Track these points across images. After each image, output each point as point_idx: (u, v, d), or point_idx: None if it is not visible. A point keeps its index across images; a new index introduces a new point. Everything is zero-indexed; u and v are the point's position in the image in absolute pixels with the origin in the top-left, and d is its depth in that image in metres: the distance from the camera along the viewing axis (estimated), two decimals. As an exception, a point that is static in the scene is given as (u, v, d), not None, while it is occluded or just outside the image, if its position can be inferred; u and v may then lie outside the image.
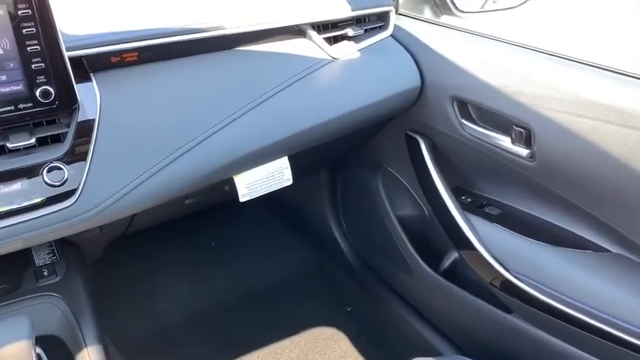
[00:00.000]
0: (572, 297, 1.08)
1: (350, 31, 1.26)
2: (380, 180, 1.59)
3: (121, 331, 1.47)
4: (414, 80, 1.30)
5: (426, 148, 1.37)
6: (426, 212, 1.50)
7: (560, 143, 1.05)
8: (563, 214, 1.16)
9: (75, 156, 0.90)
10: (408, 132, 1.41)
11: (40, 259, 1.13)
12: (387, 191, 1.59)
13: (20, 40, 0.82)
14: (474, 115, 1.26)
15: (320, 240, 1.94)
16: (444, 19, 1.39)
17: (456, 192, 1.38)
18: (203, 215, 1.83)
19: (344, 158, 1.71)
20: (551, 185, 1.13)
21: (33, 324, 0.86)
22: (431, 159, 1.37)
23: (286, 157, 1.20)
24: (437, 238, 1.46)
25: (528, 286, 1.16)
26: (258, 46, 1.13)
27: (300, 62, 1.16)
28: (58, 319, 1.06)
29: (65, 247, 1.17)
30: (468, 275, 1.35)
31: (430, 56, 1.29)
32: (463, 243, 1.31)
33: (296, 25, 1.18)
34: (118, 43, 0.96)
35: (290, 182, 1.22)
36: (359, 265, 1.84)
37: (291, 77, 1.13)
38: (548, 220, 1.20)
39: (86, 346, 1.05)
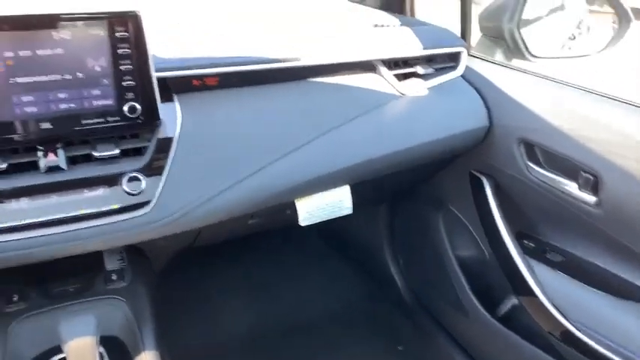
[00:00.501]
0: (633, 351, 1.03)
1: (420, 69, 1.29)
2: (441, 218, 1.59)
3: (177, 341, 1.52)
4: (481, 120, 1.31)
5: (490, 188, 1.36)
6: (487, 254, 1.48)
7: (629, 192, 1.03)
8: (628, 266, 1.12)
9: (153, 169, 0.96)
10: (473, 171, 1.41)
11: (111, 264, 1.20)
12: (448, 230, 1.58)
13: (115, 59, 0.91)
14: (540, 159, 1.25)
15: (374, 274, 1.94)
16: (515, 62, 1.40)
17: (519, 236, 1.35)
18: (264, 237, 1.88)
19: (405, 193, 1.72)
20: (618, 235, 1.09)
21: (99, 324, 0.91)
22: (494, 200, 1.36)
23: (348, 187, 1.23)
24: (496, 281, 1.43)
25: (589, 338, 1.12)
26: (331, 78, 1.18)
27: (369, 96, 1.20)
28: (121, 322, 1.12)
29: (134, 254, 1.24)
30: (526, 322, 1.31)
31: (499, 97, 1.30)
32: (523, 289, 1.28)
33: (368, 61, 1.22)
34: (200, 68, 1.04)
35: (350, 211, 1.25)
36: (413, 302, 1.82)
37: (360, 110, 1.17)
38: (613, 271, 1.16)
39: (144, 350, 1.10)
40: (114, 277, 1.17)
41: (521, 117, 1.24)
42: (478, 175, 1.39)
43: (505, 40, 1.42)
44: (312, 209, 1.20)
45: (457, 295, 1.54)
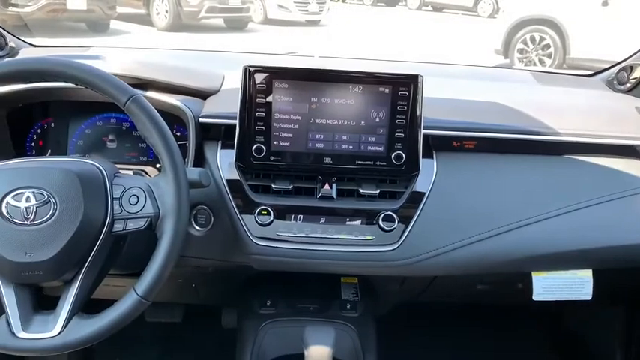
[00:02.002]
0: None
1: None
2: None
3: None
4: None
5: None
6: None
7: None
8: None
9: (404, 212, 1.08)
10: None
11: (346, 295, 1.34)
12: None
13: (393, 113, 1.06)
14: None
15: None
16: None
17: None
18: (484, 314, 1.86)
19: None
20: None
21: (335, 343, 1.02)
22: None
23: (590, 271, 1.19)
24: None
25: None
26: (588, 157, 1.18)
27: (628, 181, 1.16)
28: (349, 347, 1.23)
29: (367, 292, 1.36)
30: None
31: None
32: None
33: (631, 146, 1.19)
34: (461, 131, 1.14)
35: (589, 297, 1.19)
36: None
37: (614, 193, 1.14)
38: None
39: None
40: (348, 306, 1.30)
41: None
42: None
43: None
44: (548, 285, 1.18)
45: None
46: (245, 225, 1.07)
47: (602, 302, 1.59)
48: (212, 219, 1.09)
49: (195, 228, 1.09)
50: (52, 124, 1.26)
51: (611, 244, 1.12)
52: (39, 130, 1.26)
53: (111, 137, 1.26)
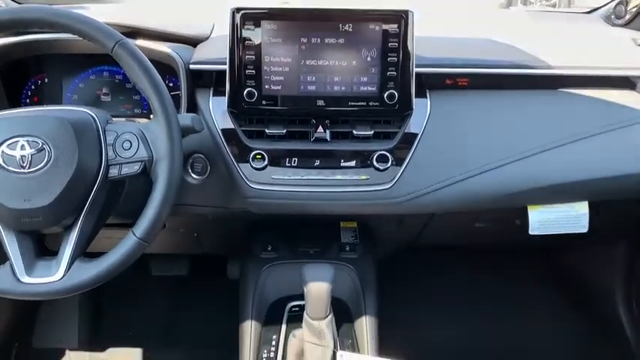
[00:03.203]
0: None
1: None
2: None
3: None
4: None
5: None
6: None
7: None
8: None
9: (399, 152, 1.08)
10: None
11: (345, 238, 1.36)
12: None
13: (385, 51, 1.05)
14: None
15: (600, 320, 1.78)
16: None
17: None
18: (482, 253, 1.88)
19: None
20: None
21: (333, 280, 1.04)
22: None
23: (586, 203, 1.19)
24: None
25: None
26: (584, 90, 1.17)
27: (622, 112, 1.16)
28: (349, 287, 1.26)
29: (366, 235, 1.38)
30: None
31: None
32: None
33: (627, 77, 1.18)
34: (454, 67, 1.13)
35: (585, 230, 1.20)
36: (644, 357, 1.63)
37: (611, 125, 1.14)
38: None
39: (365, 315, 1.22)
40: (347, 248, 1.32)
41: None
42: None
43: None
44: (544, 219, 1.19)
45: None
46: (241, 170, 1.08)
47: (601, 238, 1.60)
48: (208, 167, 1.10)
49: (192, 176, 1.10)
50: (46, 80, 1.26)
51: (607, 175, 1.12)
52: (33, 86, 1.26)
53: (105, 90, 1.27)
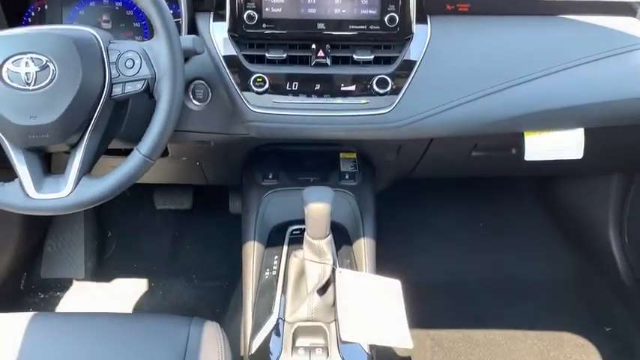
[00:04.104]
0: None
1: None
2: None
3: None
4: None
5: None
6: None
7: None
8: None
9: (399, 76, 1.09)
10: None
11: (345, 167, 1.39)
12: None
13: None
14: None
15: (591, 250, 1.83)
16: None
17: None
18: (479, 184, 1.92)
19: None
20: None
21: (332, 201, 1.07)
22: None
23: (582, 130, 1.21)
24: None
25: None
26: (583, 17, 1.17)
27: (621, 38, 1.16)
28: (348, 212, 1.30)
29: (365, 165, 1.41)
30: None
31: None
32: None
33: (628, 3, 1.18)
34: None
35: (579, 156, 1.22)
36: (633, 285, 1.69)
37: (609, 51, 1.14)
38: None
39: (364, 237, 1.26)
40: (347, 176, 1.35)
41: None
42: None
43: None
44: (540, 146, 1.21)
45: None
46: (242, 95, 1.09)
47: (596, 168, 1.63)
48: (209, 93, 1.11)
49: (193, 103, 1.12)
50: (46, 6, 1.26)
51: (604, 100, 1.13)
52: (33, 13, 1.26)
53: (105, 18, 1.26)
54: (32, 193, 0.92)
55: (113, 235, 1.99)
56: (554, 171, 1.69)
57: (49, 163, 0.99)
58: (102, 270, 1.92)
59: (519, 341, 1.66)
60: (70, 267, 1.88)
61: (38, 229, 1.86)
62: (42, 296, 1.82)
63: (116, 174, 0.93)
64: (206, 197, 2.00)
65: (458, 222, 1.96)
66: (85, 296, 1.84)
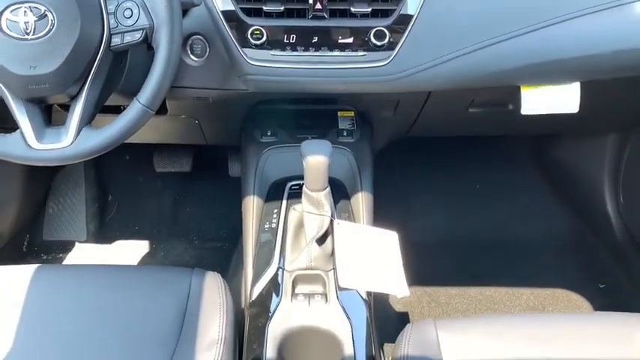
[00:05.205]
0: None
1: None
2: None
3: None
4: None
5: None
6: None
7: None
8: None
9: (396, 28, 1.09)
10: None
11: (343, 125, 1.40)
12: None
13: None
14: None
15: (586, 210, 1.86)
16: None
17: None
18: (475, 143, 1.93)
19: None
20: None
21: (331, 155, 1.08)
22: None
23: (578, 84, 1.22)
24: None
25: None
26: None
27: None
28: (346, 168, 1.31)
29: (363, 123, 1.42)
30: None
31: None
32: None
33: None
34: None
35: (575, 110, 1.23)
36: (627, 243, 1.71)
37: (607, 3, 1.14)
38: None
39: (361, 191, 1.28)
40: (345, 133, 1.36)
41: None
42: None
43: None
44: (536, 99, 1.21)
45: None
46: (239, 48, 1.09)
47: (591, 123, 1.64)
48: (207, 47, 1.12)
49: (191, 58, 1.12)
50: None
51: (596, 52, 1.13)
52: None
53: None
54: (33, 143, 0.93)
55: (114, 198, 2.01)
56: (550, 128, 1.70)
57: (49, 116, 1.00)
58: (103, 232, 1.94)
59: (515, 297, 1.69)
60: (72, 229, 1.91)
61: (39, 190, 1.87)
62: (44, 257, 1.85)
63: (116, 124, 0.94)
64: (206, 160, 2.01)
65: (454, 183, 1.97)
66: (87, 258, 1.87)
